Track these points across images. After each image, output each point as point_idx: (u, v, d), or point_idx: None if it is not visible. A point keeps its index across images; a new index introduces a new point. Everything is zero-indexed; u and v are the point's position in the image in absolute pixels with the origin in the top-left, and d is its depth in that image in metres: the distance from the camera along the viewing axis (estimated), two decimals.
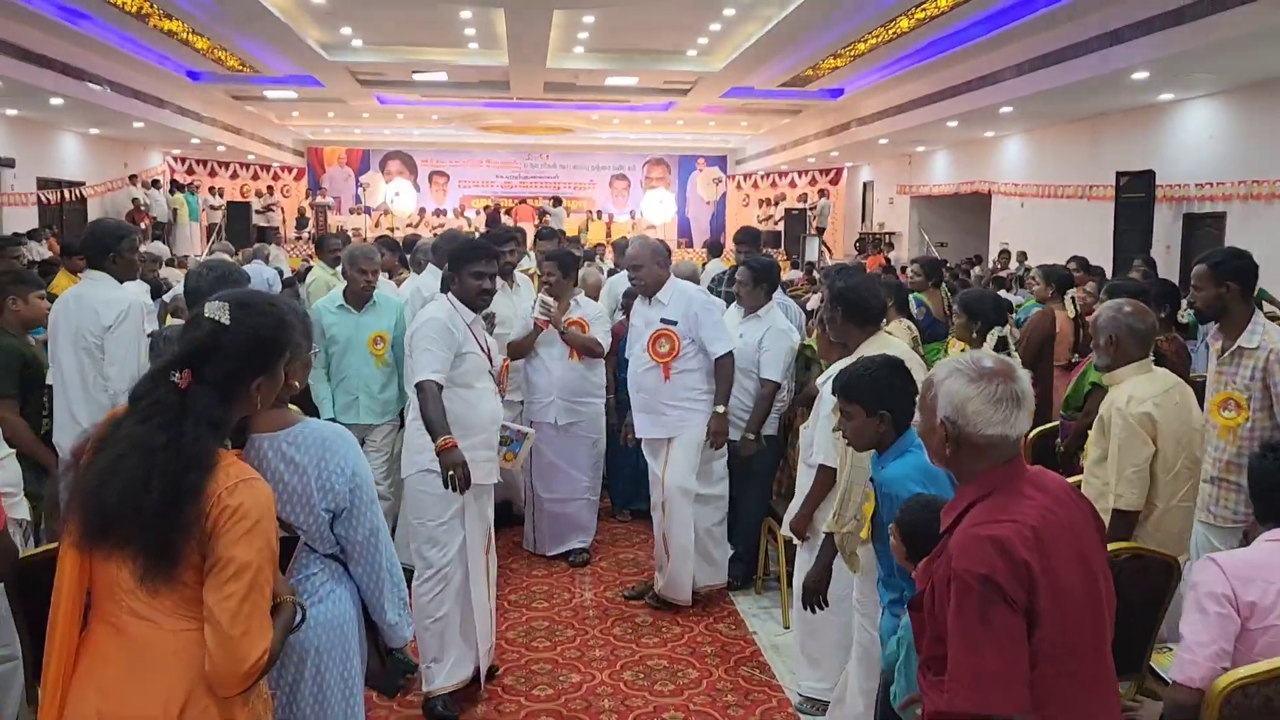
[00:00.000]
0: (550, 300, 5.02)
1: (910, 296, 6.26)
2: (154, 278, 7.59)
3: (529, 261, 6.71)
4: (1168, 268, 12.33)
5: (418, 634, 3.55)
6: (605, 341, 5.25)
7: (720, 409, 4.42)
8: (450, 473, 3.36)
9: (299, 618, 1.93)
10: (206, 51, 14.71)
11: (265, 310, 1.91)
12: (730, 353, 4.47)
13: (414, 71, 16.58)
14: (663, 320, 4.49)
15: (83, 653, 1.78)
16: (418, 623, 3.53)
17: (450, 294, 3.73)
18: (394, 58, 15.73)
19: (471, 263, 3.69)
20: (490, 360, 3.78)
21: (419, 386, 3.50)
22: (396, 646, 2.26)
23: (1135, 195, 12.55)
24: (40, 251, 13.80)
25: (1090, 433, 3.32)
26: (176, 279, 8.38)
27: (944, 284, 7.24)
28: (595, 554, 5.41)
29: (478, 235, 6.33)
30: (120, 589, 1.77)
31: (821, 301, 4.54)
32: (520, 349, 5.11)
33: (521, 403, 5.31)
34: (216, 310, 1.84)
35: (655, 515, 4.63)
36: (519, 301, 5.40)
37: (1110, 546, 2.83)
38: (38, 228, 14.96)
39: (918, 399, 2.08)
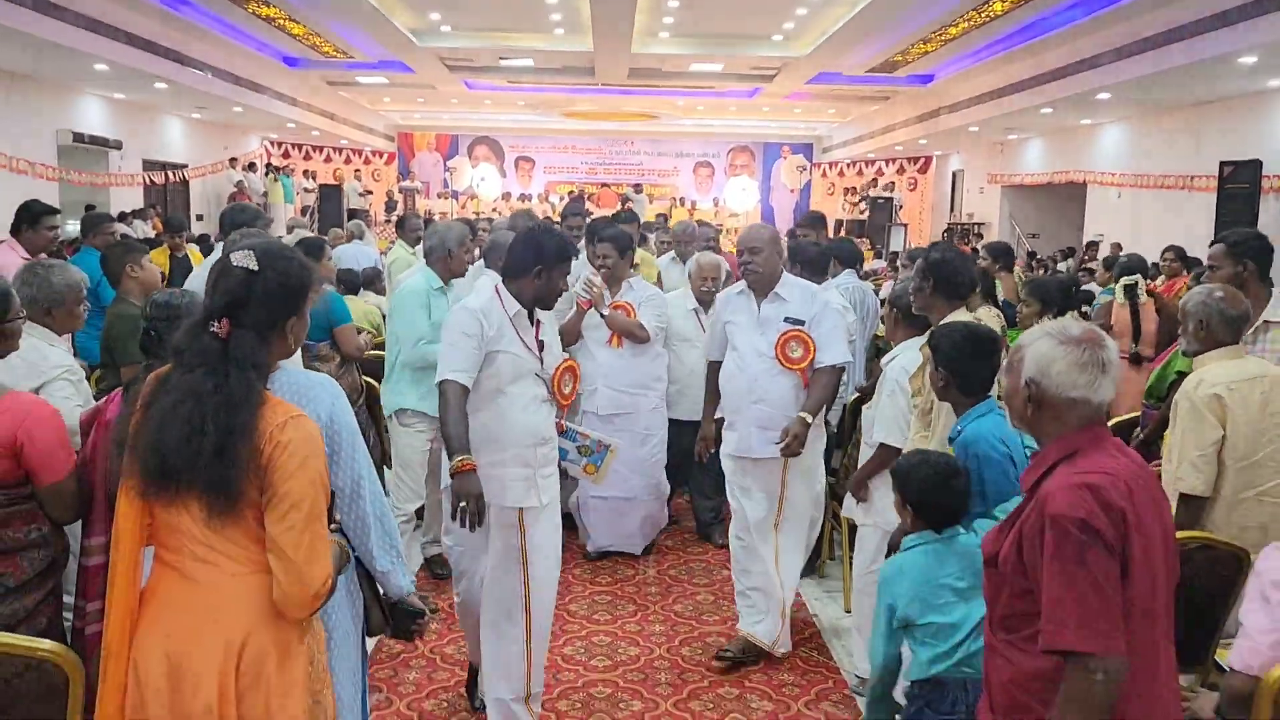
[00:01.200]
0: (596, 279, 4.75)
1: None
2: None
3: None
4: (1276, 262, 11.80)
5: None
6: (655, 326, 4.95)
7: (809, 417, 3.74)
8: (461, 503, 2.91)
9: (347, 557, 2.04)
10: (302, 37, 15.13)
11: (288, 255, 2.01)
12: (842, 367, 3.93)
13: (501, 57, 16.79)
14: (788, 320, 3.86)
15: (148, 600, 1.88)
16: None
17: (502, 282, 3.23)
18: (482, 43, 15.95)
19: (563, 263, 3.22)
20: (541, 361, 3.22)
21: (439, 388, 3.08)
22: (396, 597, 2.28)
23: (1240, 185, 12.03)
24: (144, 230, 14.43)
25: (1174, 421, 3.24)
26: None
27: (1015, 269, 7.12)
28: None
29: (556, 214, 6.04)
30: (183, 535, 1.86)
31: (896, 285, 4.48)
32: (568, 333, 4.72)
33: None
34: (244, 259, 1.92)
35: (740, 551, 4.01)
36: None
37: (1180, 534, 2.76)
38: (143, 207, 15.63)
39: (1005, 362, 2.12)
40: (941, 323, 3.10)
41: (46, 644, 2.19)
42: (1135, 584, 1.80)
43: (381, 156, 26.39)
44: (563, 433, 3.36)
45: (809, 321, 3.83)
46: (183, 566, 1.87)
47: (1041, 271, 13.49)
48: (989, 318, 5.13)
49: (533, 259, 3.14)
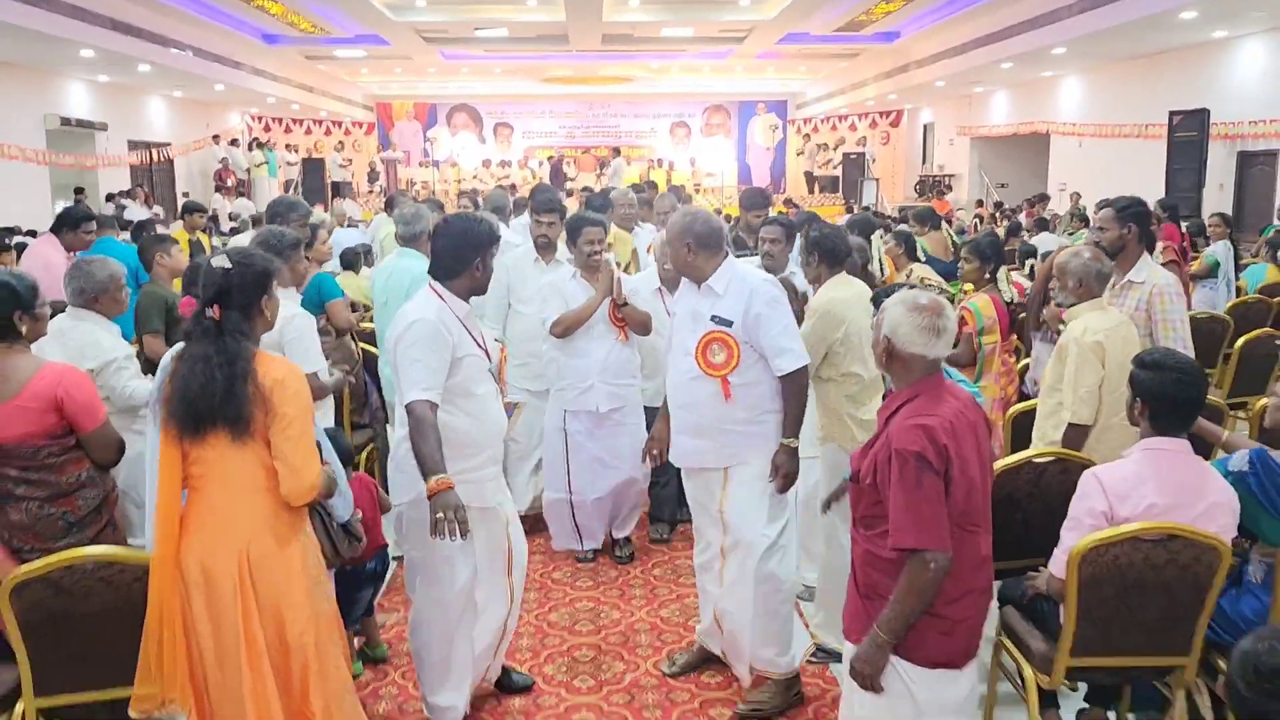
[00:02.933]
0: (617, 266, 4.45)
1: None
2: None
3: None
4: (1221, 205, 12.38)
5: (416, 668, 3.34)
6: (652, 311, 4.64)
7: (791, 442, 3.35)
8: (440, 515, 2.76)
9: (333, 483, 2.75)
10: (280, 15, 15.44)
11: (252, 253, 2.68)
12: (804, 367, 3.38)
13: (475, 28, 17.11)
14: (715, 319, 3.36)
15: (184, 523, 2.51)
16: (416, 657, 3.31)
17: (441, 283, 3.10)
18: (456, 16, 16.27)
19: (495, 243, 3.19)
20: (488, 356, 3.18)
21: (408, 409, 2.92)
22: (341, 521, 2.89)
23: (1188, 134, 12.56)
24: (137, 210, 14.81)
25: (1050, 361, 3.81)
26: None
27: (943, 226, 7.82)
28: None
29: (531, 190, 5.56)
30: (208, 466, 2.49)
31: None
32: (574, 323, 4.45)
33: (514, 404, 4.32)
34: (220, 261, 2.58)
35: (701, 576, 3.65)
36: (560, 279, 4.66)
37: (1051, 451, 3.36)
38: (129, 188, 15.98)
39: (874, 318, 2.66)
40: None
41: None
42: (954, 496, 2.42)
43: (361, 127, 26.63)
44: None
45: (739, 322, 3.32)
46: (207, 493, 2.50)
47: (1005, 221, 14.09)
48: (923, 271, 5.70)
49: (472, 252, 3.09)
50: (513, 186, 17.29)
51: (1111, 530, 2.63)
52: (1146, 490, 2.68)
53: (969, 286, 5.33)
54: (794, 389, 3.36)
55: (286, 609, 2.50)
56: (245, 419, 2.46)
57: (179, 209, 9.82)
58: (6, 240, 8.45)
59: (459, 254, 3.08)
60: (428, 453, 2.83)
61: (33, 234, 9.94)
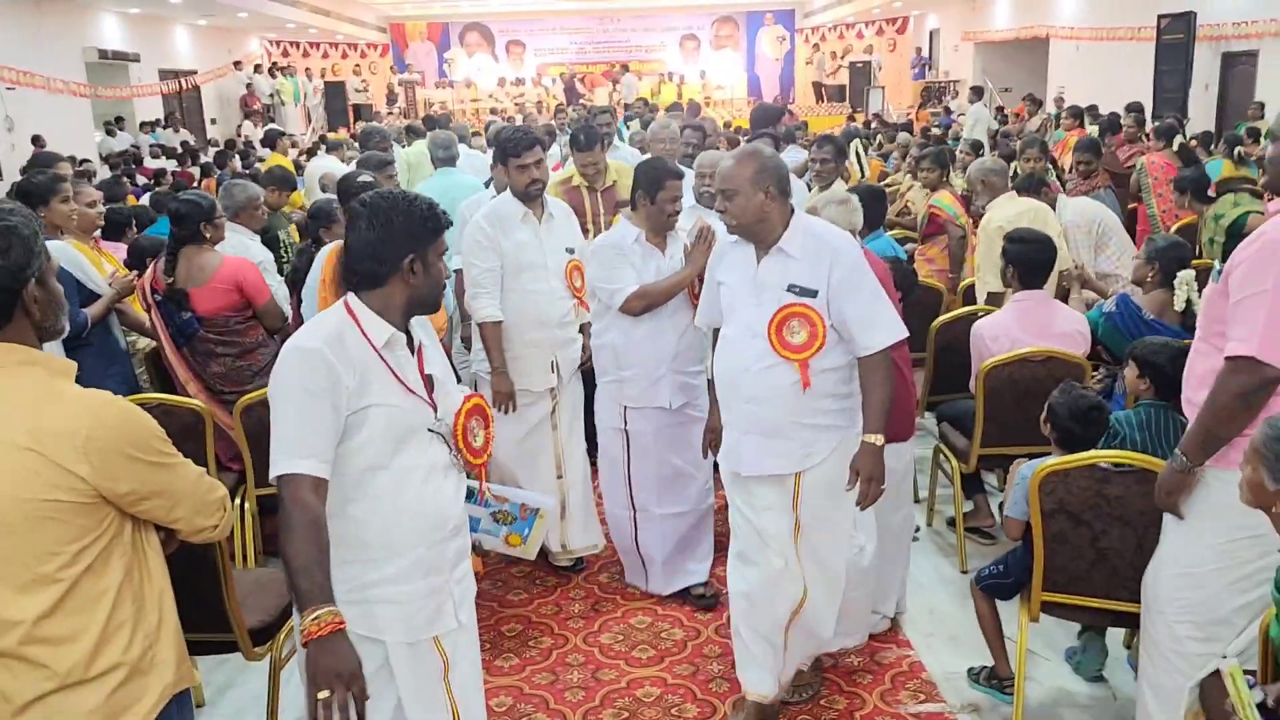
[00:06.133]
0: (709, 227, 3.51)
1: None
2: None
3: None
4: (1205, 106, 13.02)
5: None
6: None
7: (876, 438, 2.69)
8: (324, 694, 1.79)
9: None
10: None
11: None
12: (901, 341, 2.78)
13: None
14: (793, 288, 2.71)
15: None
16: None
17: (359, 296, 2.07)
18: None
19: (439, 235, 2.12)
20: (434, 406, 2.12)
21: (280, 493, 1.93)
22: None
23: (1175, 36, 13.12)
24: (173, 138, 15.66)
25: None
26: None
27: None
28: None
29: (512, 129, 4.07)
30: None
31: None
32: (661, 298, 3.50)
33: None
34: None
35: (740, 603, 2.93)
36: (551, 236, 3.74)
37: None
38: (162, 117, 16.79)
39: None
40: None
41: (195, 403, 3.56)
42: None
43: (376, 49, 27.11)
44: (469, 496, 2.31)
45: (823, 291, 2.69)
46: None
47: (1003, 122, 14.82)
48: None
49: (402, 245, 2.04)
50: (537, 105, 17.86)
51: (1010, 354, 3.59)
52: (1013, 330, 3.67)
53: (927, 190, 6.23)
54: (880, 371, 2.71)
55: None
56: None
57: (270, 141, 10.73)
58: (75, 170, 9.35)
59: (379, 251, 2.04)
60: (302, 567, 1.85)
61: (83, 165, 10.82)
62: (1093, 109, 11.38)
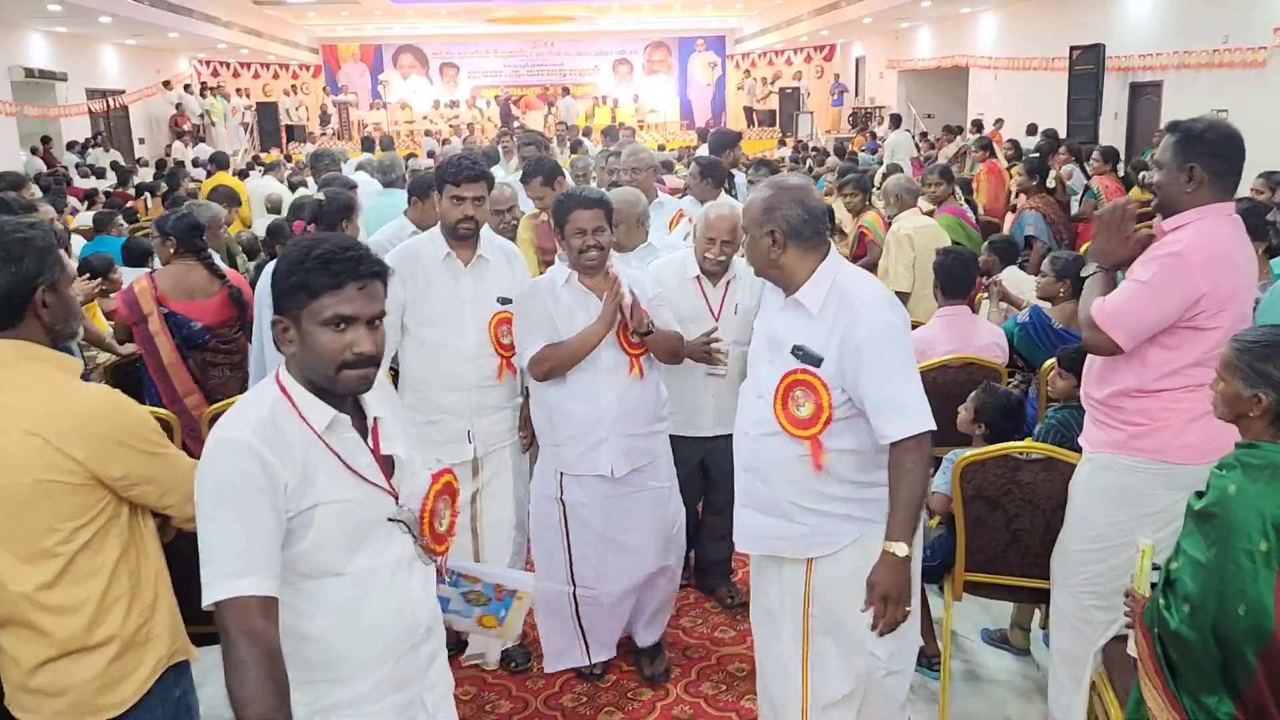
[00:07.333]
0: (623, 281, 3.05)
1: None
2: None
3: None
4: (1115, 133, 13.72)
5: None
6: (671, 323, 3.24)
7: (898, 548, 2.29)
8: None
9: None
10: None
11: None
12: (925, 434, 2.30)
13: None
14: (797, 351, 2.35)
15: None
16: None
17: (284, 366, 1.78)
18: None
19: (381, 277, 1.79)
20: (394, 493, 1.83)
21: (219, 623, 1.61)
22: None
23: (1086, 67, 13.83)
24: (104, 158, 15.44)
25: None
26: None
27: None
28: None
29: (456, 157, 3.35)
30: None
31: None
32: (568, 361, 3.05)
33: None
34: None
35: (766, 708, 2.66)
36: (480, 284, 3.25)
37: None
38: (91, 135, 16.52)
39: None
40: None
41: (163, 412, 3.36)
42: None
43: (308, 70, 26.98)
44: (440, 578, 2.05)
45: (833, 360, 2.31)
46: None
47: (928, 148, 15.45)
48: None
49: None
50: (469, 127, 18.00)
51: (934, 360, 3.88)
52: (938, 343, 3.98)
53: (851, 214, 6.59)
54: (909, 465, 2.27)
55: None
56: None
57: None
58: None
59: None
60: (260, 717, 1.56)
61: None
62: (1013, 142, 11.93)
